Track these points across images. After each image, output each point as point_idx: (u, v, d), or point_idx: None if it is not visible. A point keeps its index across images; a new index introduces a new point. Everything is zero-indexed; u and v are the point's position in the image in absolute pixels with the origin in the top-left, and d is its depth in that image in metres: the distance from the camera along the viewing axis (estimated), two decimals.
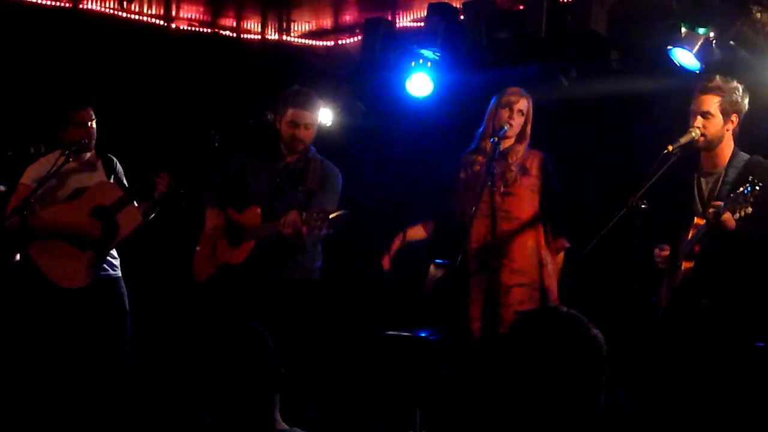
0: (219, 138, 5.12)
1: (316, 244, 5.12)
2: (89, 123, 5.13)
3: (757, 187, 4.04)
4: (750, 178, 4.10)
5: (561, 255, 5.16)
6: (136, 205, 5.18)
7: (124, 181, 5.36)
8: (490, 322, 5.01)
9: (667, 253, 4.60)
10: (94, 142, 5.21)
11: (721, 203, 4.19)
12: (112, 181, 5.29)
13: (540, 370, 2.03)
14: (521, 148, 5.18)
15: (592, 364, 2.05)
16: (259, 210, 5.06)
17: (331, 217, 4.65)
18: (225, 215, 5.22)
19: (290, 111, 5.14)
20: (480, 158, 5.20)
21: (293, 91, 5.23)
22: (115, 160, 5.36)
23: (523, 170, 5.13)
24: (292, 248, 4.97)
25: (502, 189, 5.09)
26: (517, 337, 2.10)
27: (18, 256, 5.07)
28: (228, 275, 5.09)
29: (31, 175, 5.11)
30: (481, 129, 5.29)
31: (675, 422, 4.47)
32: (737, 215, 4.10)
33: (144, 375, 5.66)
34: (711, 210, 4.22)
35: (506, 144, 5.17)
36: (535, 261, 5.10)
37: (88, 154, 5.28)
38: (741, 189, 4.09)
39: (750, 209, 4.06)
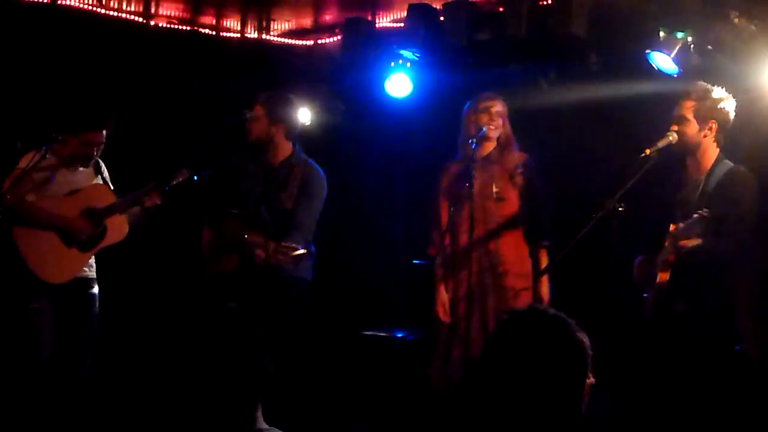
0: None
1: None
2: (98, 145, 5.11)
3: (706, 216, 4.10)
4: (703, 209, 4.14)
5: (545, 254, 5.18)
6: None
7: (110, 186, 5.33)
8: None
9: (643, 267, 4.67)
10: (94, 160, 5.19)
11: (679, 226, 4.26)
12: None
13: (524, 371, 2.03)
14: (510, 152, 5.21)
15: (576, 368, 2.06)
16: (238, 223, 5.08)
17: (294, 254, 4.70)
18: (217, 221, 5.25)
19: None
20: (462, 165, 5.22)
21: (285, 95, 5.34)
22: (102, 164, 5.33)
23: (512, 175, 5.17)
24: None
25: (495, 195, 5.13)
26: (504, 336, 2.10)
27: None
28: (219, 280, 5.12)
29: (29, 160, 5.01)
30: (459, 139, 5.30)
31: (655, 423, 4.50)
32: (693, 243, 4.18)
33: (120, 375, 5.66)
34: (668, 238, 4.28)
35: (489, 148, 5.19)
36: (530, 265, 5.15)
37: None
38: (697, 216, 4.14)
39: (699, 241, 4.15)
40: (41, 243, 5.00)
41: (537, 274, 5.12)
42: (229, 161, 5.36)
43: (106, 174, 5.34)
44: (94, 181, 5.24)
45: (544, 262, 5.14)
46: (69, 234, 5.05)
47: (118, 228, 5.15)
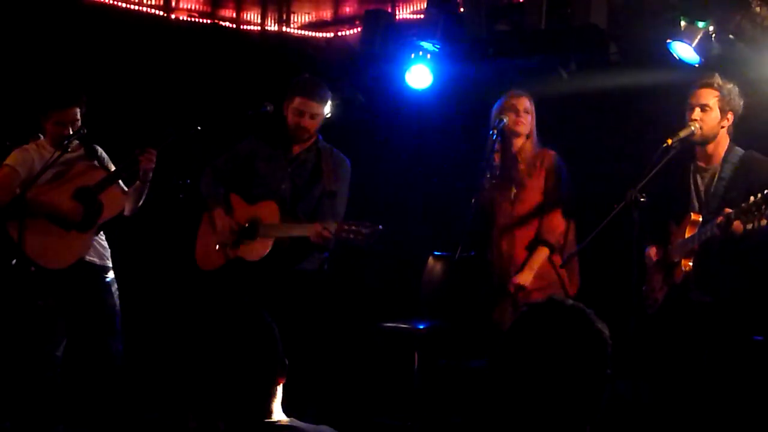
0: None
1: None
2: (72, 123, 5.00)
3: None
4: (765, 192, 4.09)
5: (542, 252, 5.07)
6: (122, 186, 5.13)
7: (111, 167, 5.23)
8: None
9: (657, 254, 4.65)
10: (74, 142, 5.06)
11: (731, 211, 4.19)
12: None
13: (543, 363, 2.02)
14: (530, 146, 5.15)
15: (596, 359, 2.04)
16: (276, 207, 5.03)
17: (365, 233, 4.67)
18: (230, 203, 5.18)
19: (297, 99, 5.09)
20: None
21: (303, 79, 5.20)
22: (98, 148, 5.23)
23: (531, 170, 5.11)
24: (314, 247, 4.99)
25: (512, 196, 5.09)
26: (522, 329, 2.09)
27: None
28: (240, 268, 5.06)
29: (18, 158, 5.01)
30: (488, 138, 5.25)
31: (673, 414, 4.49)
32: (750, 225, 4.11)
33: (141, 367, 5.68)
34: (721, 219, 4.22)
35: (517, 144, 5.14)
36: (547, 267, 5.10)
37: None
38: (753, 199, 4.09)
39: (765, 221, 4.07)
40: (38, 233, 4.92)
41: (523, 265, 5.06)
42: (242, 143, 5.31)
43: (102, 155, 5.24)
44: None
45: (536, 258, 4.99)
46: (63, 218, 4.99)
47: (114, 201, 5.07)
